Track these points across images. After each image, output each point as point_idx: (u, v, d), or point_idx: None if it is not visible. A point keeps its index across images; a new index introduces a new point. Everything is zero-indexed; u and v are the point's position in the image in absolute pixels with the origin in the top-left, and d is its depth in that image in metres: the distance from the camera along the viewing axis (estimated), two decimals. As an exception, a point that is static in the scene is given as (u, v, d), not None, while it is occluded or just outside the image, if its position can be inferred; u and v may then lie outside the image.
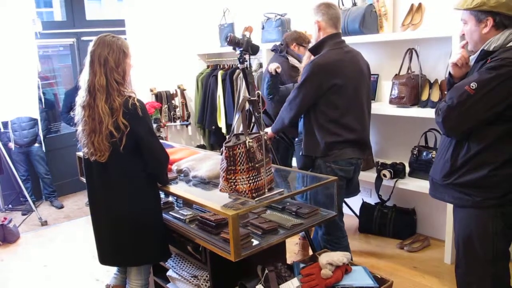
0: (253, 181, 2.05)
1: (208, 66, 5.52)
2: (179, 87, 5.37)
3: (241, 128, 3.26)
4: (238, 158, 2.02)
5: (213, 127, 5.21)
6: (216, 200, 2.21)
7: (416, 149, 3.64)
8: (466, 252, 2.12)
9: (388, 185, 3.77)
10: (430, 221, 3.97)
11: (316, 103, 2.73)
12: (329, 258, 2.15)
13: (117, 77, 2.22)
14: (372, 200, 4.25)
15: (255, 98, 2.10)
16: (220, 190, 2.12)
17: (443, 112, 2.00)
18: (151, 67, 5.07)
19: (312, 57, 3.20)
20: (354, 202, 4.23)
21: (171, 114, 5.19)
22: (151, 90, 5.15)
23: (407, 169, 3.77)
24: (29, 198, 5.13)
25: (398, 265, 3.54)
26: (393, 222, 3.99)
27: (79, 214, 5.36)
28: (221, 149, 2.09)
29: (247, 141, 2.03)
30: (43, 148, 5.42)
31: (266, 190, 2.12)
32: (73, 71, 6.23)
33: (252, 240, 2.14)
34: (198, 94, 5.42)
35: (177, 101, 5.34)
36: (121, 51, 2.25)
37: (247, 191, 2.05)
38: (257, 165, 2.06)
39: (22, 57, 4.77)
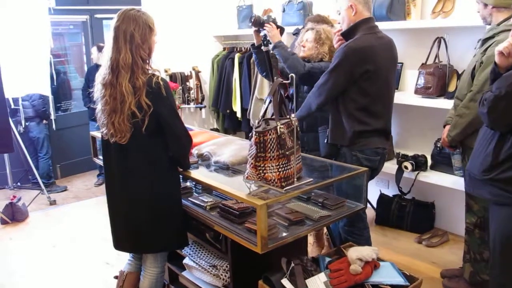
0: (283, 169, 1.95)
1: (224, 49, 5.39)
2: (194, 69, 5.25)
3: (259, 114, 3.14)
4: (269, 145, 1.91)
5: (228, 111, 5.10)
6: (237, 187, 2.12)
7: (440, 141, 3.52)
8: (503, 252, 2.02)
9: (406, 177, 3.66)
10: (449, 216, 3.87)
11: (346, 90, 2.62)
12: (359, 253, 2.04)
13: (143, 54, 2.11)
14: (390, 191, 4.15)
15: (287, 81, 1.97)
16: (247, 177, 2.01)
17: (489, 103, 1.88)
18: (166, 47, 4.93)
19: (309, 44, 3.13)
20: (371, 193, 4.12)
21: (185, 96, 5.08)
22: (166, 71, 5.03)
23: (429, 161, 3.66)
24: (38, 177, 5.04)
25: (416, 259, 3.45)
26: (412, 215, 3.89)
27: (88, 194, 5.29)
28: (250, 134, 1.98)
29: (278, 127, 1.91)
30: (54, 126, 5.37)
31: (295, 179, 2.01)
32: (86, 49, 6.10)
33: (278, 231, 2.04)
34: (213, 76, 5.30)
35: (191, 83, 5.22)
36: (147, 26, 2.13)
37: (276, 180, 1.94)
38: (287, 153, 1.95)
39: (35, 32, 4.66)
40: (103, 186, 5.39)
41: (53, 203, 4.94)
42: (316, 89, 2.69)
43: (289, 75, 1.99)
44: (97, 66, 5.16)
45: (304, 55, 3.17)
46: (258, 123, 1.98)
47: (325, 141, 2.82)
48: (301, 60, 3.03)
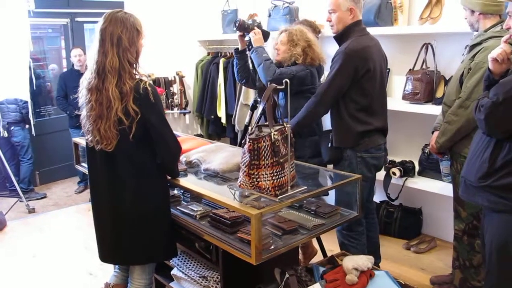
0: (277, 177, 1.90)
1: (208, 53, 5.31)
2: (177, 74, 5.16)
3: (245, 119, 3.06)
4: (263, 152, 1.85)
5: (212, 116, 5.02)
6: (228, 196, 2.08)
7: (428, 147, 3.51)
8: (500, 259, 1.99)
9: (394, 183, 3.65)
10: (436, 222, 3.87)
11: (346, 92, 2.65)
12: (354, 262, 2.00)
13: (131, 58, 2.03)
14: (377, 197, 4.11)
15: (282, 87, 1.92)
16: (240, 185, 1.96)
17: (486, 109, 1.86)
18: (149, 52, 4.82)
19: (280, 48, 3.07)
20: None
21: (169, 101, 4.99)
22: (149, 76, 4.93)
23: (416, 167, 3.65)
24: (16, 184, 4.88)
25: (405, 266, 3.44)
26: (399, 222, 3.88)
27: (69, 202, 5.15)
28: (243, 141, 1.92)
29: (272, 134, 1.86)
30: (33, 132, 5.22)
31: (289, 187, 1.96)
32: (66, 53, 5.97)
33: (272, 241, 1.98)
34: (198, 82, 5.22)
35: (175, 88, 5.13)
36: (135, 29, 2.06)
37: (270, 188, 1.89)
38: (281, 160, 1.90)
39: (15, 35, 4.54)
40: (84, 193, 5.34)
41: (32, 211, 4.79)
42: (319, 96, 2.70)
43: (283, 81, 1.94)
44: (72, 71, 5.04)
45: (278, 59, 3.12)
46: (251, 129, 1.92)
47: (329, 145, 2.81)
48: (274, 67, 2.97)
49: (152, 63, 4.91)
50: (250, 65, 3.31)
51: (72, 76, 4.97)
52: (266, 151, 1.86)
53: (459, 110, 2.59)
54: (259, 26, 3.21)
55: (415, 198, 3.91)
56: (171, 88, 5.08)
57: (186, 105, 5.24)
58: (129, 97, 2.00)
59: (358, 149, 2.71)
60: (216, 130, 5.15)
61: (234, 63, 3.38)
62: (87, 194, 5.32)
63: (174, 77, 5.16)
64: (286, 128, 1.97)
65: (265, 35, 3.22)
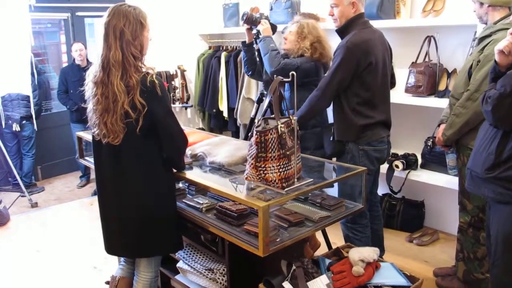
0: (284, 169, 1.90)
1: (210, 47, 5.31)
2: (179, 68, 5.16)
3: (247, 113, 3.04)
4: (270, 144, 1.86)
5: (214, 110, 5.03)
6: (234, 188, 2.10)
7: (430, 140, 3.52)
8: (506, 251, 1.99)
9: (396, 176, 3.65)
10: (438, 215, 3.88)
11: (347, 85, 2.65)
12: (360, 254, 2.01)
13: (134, 51, 2.03)
14: (380, 190, 4.10)
15: (289, 80, 1.92)
16: (246, 178, 1.96)
17: (494, 100, 1.86)
18: (150, 46, 4.83)
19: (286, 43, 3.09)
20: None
21: (171, 95, 4.99)
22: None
23: (419, 160, 3.65)
24: (19, 179, 4.89)
25: (408, 259, 3.44)
26: (402, 214, 3.89)
27: (71, 196, 5.15)
28: (250, 134, 1.93)
29: (279, 126, 1.86)
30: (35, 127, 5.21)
31: (295, 179, 1.96)
32: (67, 48, 5.95)
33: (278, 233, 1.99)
34: (199, 75, 5.22)
35: (177, 82, 5.13)
36: (138, 22, 2.05)
37: (276, 181, 1.89)
38: (288, 153, 1.90)
39: (16, 30, 4.53)
40: (86, 187, 5.35)
41: (34, 205, 4.80)
42: (321, 90, 2.70)
43: (290, 73, 1.94)
44: (72, 66, 5.03)
45: (285, 47, 3.15)
46: (258, 122, 1.93)
47: (331, 139, 2.82)
48: (279, 58, 3.00)
49: (153, 57, 4.88)
50: (257, 58, 3.32)
51: (72, 71, 4.98)
52: (273, 144, 1.86)
53: (467, 102, 2.58)
54: (267, 19, 3.24)
55: (418, 191, 3.92)
56: (172, 82, 5.08)
57: (188, 99, 5.25)
58: (136, 90, 2.00)
59: (360, 142, 2.72)
60: (218, 124, 5.16)
61: (242, 55, 3.41)
62: (89, 188, 5.33)
63: (176, 71, 5.16)
64: (292, 121, 1.97)
65: (272, 29, 3.24)
